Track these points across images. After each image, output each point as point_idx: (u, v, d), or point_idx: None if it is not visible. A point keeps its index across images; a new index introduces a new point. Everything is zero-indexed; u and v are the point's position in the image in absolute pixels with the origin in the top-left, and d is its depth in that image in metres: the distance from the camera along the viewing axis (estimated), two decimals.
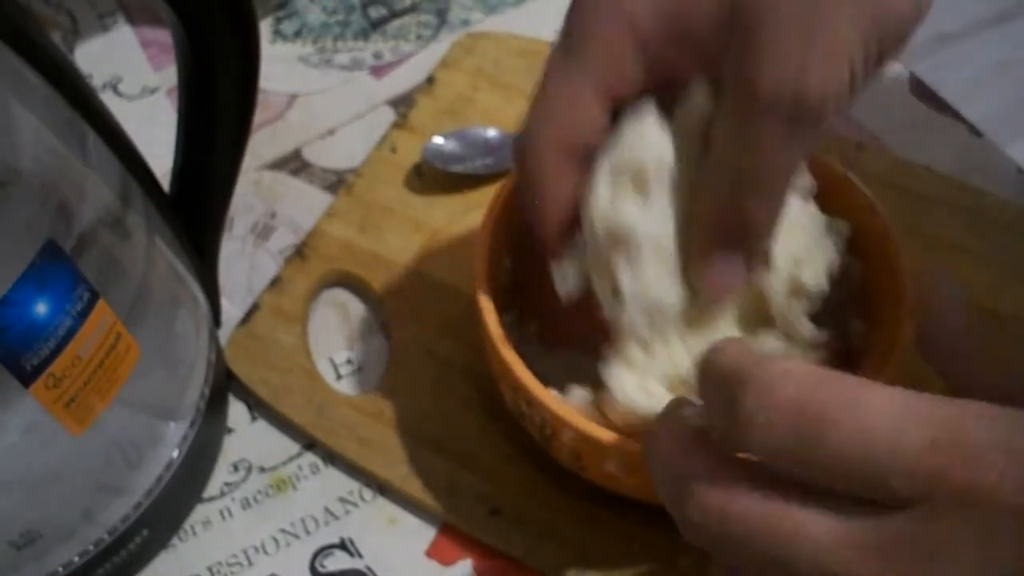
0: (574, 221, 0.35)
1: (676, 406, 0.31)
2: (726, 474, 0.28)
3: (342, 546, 0.43)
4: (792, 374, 0.26)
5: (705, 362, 0.29)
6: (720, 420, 0.28)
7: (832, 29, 0.30)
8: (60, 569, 0.38)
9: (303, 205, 0.52)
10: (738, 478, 0.28)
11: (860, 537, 0.26)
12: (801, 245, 0.36)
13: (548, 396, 0.37)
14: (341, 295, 0.49)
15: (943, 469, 0.25)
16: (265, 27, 0.59)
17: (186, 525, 0.43)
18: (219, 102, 0.39)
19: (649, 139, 0.34)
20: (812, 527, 0.26)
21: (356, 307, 0.49)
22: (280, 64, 0.58)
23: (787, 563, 0.27)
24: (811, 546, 0.26)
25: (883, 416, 0.25)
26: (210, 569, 0.42)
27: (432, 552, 0.42)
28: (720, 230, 0.33)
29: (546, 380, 0.38)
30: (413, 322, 0.47)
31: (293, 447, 0.45)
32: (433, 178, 0.51)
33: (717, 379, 0.28)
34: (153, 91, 0.57)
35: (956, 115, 0.53)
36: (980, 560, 0.25)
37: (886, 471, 0.25)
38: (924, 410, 0.25)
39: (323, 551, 0.43)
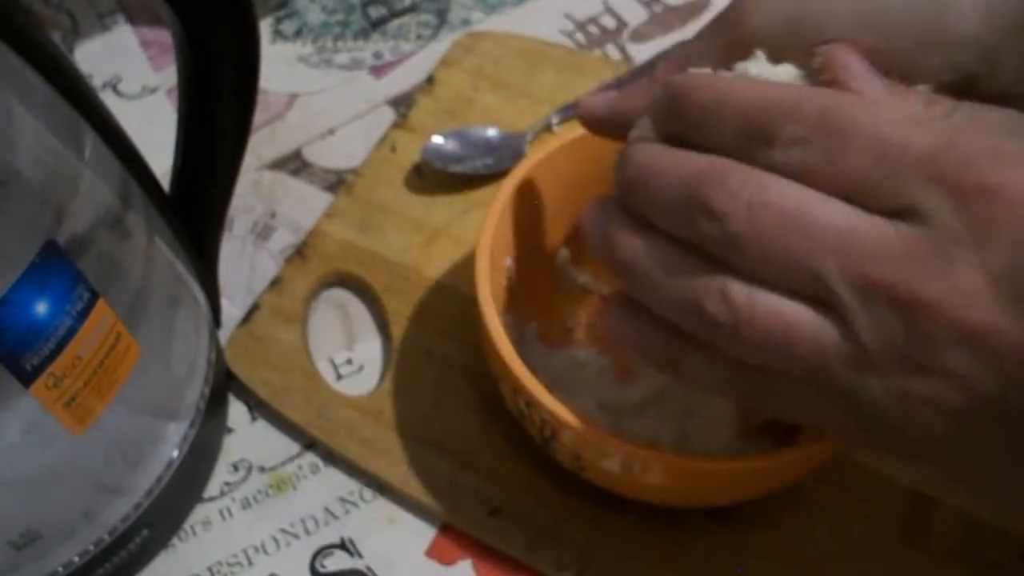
0: None
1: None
2: (749, 171, 0.29)
3: (342, 546, 0.43)
4: (815, 93, 0.29)
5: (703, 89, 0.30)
6: (758, 136, 0.29)
7: None
8: (60, 569, 0.38)
9: (303, 205, 0.52)
10: (767, 174, 0.29)
11: (880, 232, 0.27)
12: None
13: (548, 396, 0.37)
14: (341, 295, 0.49)
15: (941, 175, 0.26)
16: (265, 27, 0.59)
17: (186, 525, 0.43)
18: (219, 102, 0.39)
19: None
20: (839, 219, 0.27)
21: (356, 307, 0.49)
22: (280, 64, 0.58)
23: (808, 251, 0.27)
24: (834, 235, 0.27)
25: (895, 123, 0.27)
26: (210, 569, 0.42)
27: (432, 552, 0.42)
28: None
29: (546, 380, 0.38)
30: (413, 322, 0.47)
31: (293, 447, 0.45)
32: (433, 178, 0.51)
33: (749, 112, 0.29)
34: (153, 91, 0.57)
35: None
36: (982, 257, 0.26)
37: (895, 173, 0.27)
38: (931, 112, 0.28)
39: (323, 551, 0.43)
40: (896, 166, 0.27)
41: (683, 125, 0.31)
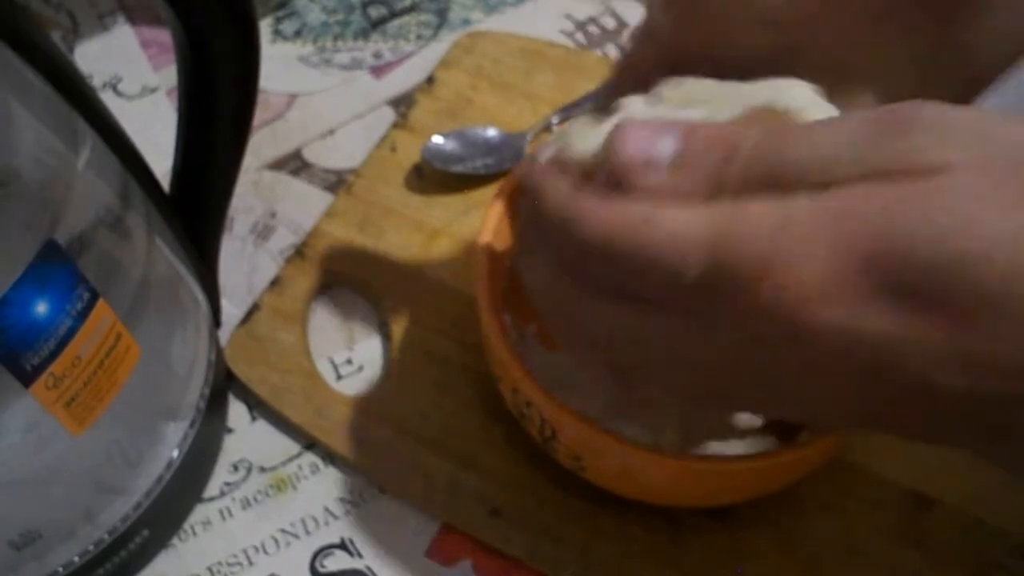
0: None
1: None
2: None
3: (342, 546, 0.43)
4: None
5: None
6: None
7: None
8: (60, 569, 0.38)
9: (303, 205, 0.52)
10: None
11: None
12: None
13: (548, 396, 0.37)
14: (341, 295, 0.49)
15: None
16: (265, 27, 0.59)
17: (186, 525, 0.43)
18: (219, 102, 0.39)
19: None
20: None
21: (356, 307, 0.49)
22: (280, 64, 0.58)
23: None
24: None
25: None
26: (210, 569, 0.42)
27: (432, 552, 0.42)
28: None
29: (546, 380, 0.38)
30: (413, 322, 0.47)
31: (293, 447, 0.45)
32: (433, 178, 0.51)
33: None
34: (153, 91, 0.57)
35: None
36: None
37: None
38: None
39: (323, 551, 0.43)
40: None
41: None
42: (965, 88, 0.33)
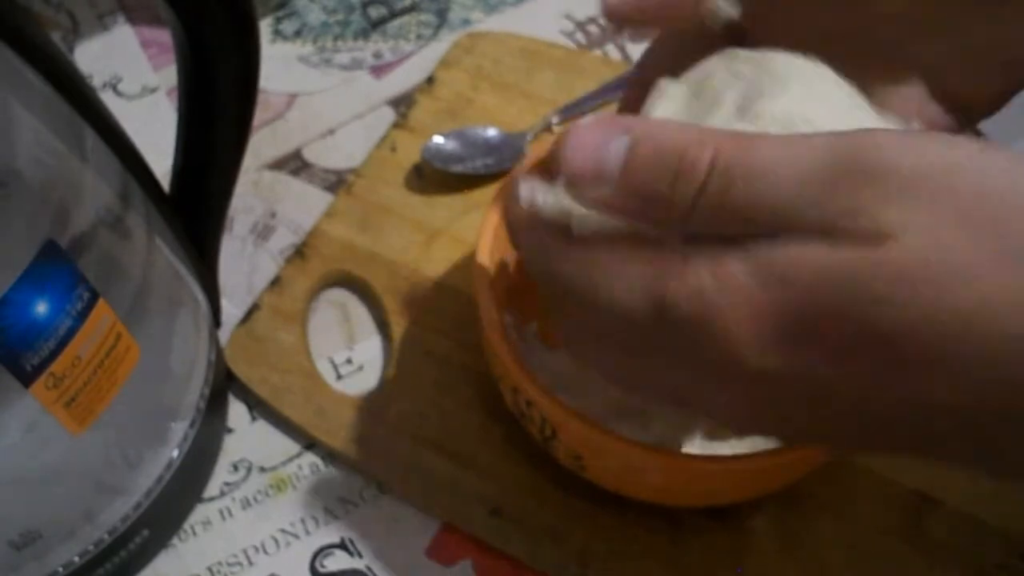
0: None
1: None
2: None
3: (342, 546, 0.43)
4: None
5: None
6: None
7: None
8: (60, 569, 0.38)
9: (303, 205, 0.52)
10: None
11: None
12: None
13: (548, 396, 0.37)
14: (341, 295, 0.49)
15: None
16: (265, 27, 0.59)
17: (186, 525, 0.43)
18: (219, 102, 0.39)
19: None
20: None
21: (356, 307, 0.49)
22: (280, 64, 0.58)
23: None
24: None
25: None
26: (210, 569, 0.42)
27: (432, 552, 0.42)
28: None
29: (546, 380, 0.38)
30: (413, 322, 0.47)
31: (293, 447, 0.45)
32: (433, 178, 0.51)
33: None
34: (153, 91, 0.57)
35: None
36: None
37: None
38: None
39: (323, 551, 0.43)
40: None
41: None
42: (1009, 81, 0.34)
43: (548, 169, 0.30)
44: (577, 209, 0.29)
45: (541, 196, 0.30)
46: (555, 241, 0.30)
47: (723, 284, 0.26)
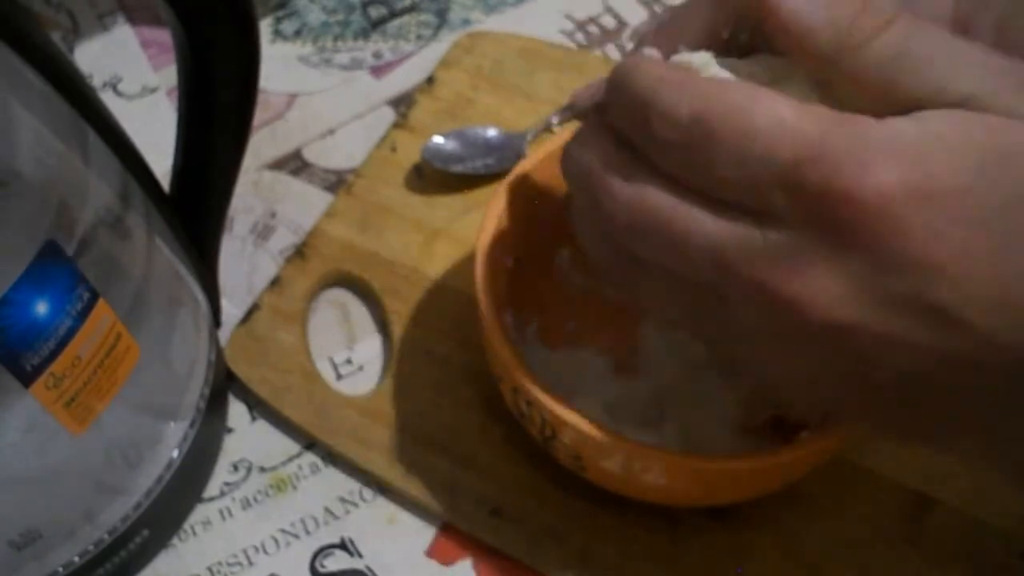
0: None
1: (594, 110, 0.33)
2: (641, 175, 0.30)
3: (342, 546, 0.43)
4: (687, 87, 0.28)
5: (618, 76, 0.31)
6: (632, 133, 0.30)
7: None
8: (60, 569, 0.38)
9: (303, 205, 0.52)
10: (649, 180, 0.30)
11: (745, 238, 0.28)
12: None
13: (548, 396, 0.37)
14: (341, 295, 0.49)
15: (803, 184, 0.27)
16: (265, 27, 0.59)
17: (186, 525, 0.43)
18: (219, 102, 0.39)
19: None
20: (707, 229, 0.28)
21: (356, 307, 0.49)
22: (280, 64, 0.58)
23: (682, 256, 0.29)
24: (704, 245, 0.28)
25: (764, 127, 0.27)
26: (210, 569, 0.42)
27: (432, 552, 0.42)
28: None
29: (546, 380, 0.38)
30: (413, 322, 0.47)
31: (293, 447, 0.45)
32: (433, 178, 0.51)
33: (628, 98, 0.30)
34: (153, 91, 0.57)
35: None
36: (833, 273, 0.27)
37: (761, 181, 0.27)
38: (802, 122, 0.27)
39: (323, 551, 0.43)
40: (760, 177, 0.27)
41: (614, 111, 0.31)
42: None
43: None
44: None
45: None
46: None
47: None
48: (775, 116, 0.27)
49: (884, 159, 0.26)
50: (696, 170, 0.28)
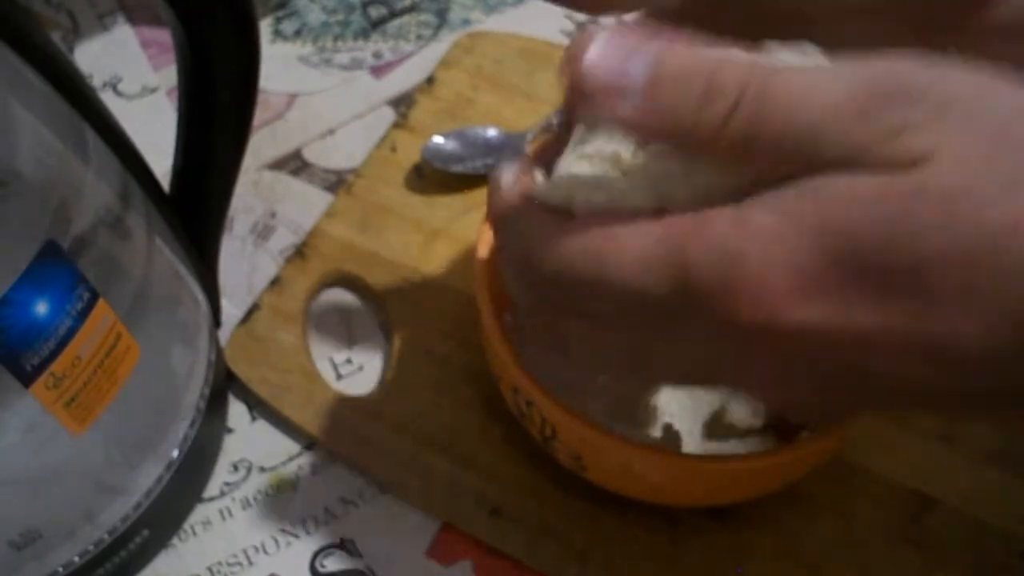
0: None
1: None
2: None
3: (342, 546, 0.43)
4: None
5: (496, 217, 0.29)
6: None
7: None
8: (60, 569, 0.38)
9: (303, 205, 0.52)
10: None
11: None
12: None
13: (548, 396, 0.37)
14: (341, 295, 0.49)
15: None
16: (265, 27, 0.59)
17: (186, 525, 0.43)
18: (219, 102, 0.39)
19: None
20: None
21: (356, 307, 0.49)
22: (280, 64, 0.58)
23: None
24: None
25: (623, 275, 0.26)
26: (210, 569, 0.42)
27: (432, 552, 0.42)
28: None
29: (546, 380, 0.38)
30: (413, 322, 0.47)
31: (293, 447, 0.45)
32: (433, 178, 0.51)
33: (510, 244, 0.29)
34: (153, 91, 0.57)
35: None
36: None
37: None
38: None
39: (323, 551, 0.43)
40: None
41: None
42: None
43: (533, 158, 0.29)
44: (580, 188, 0.27)
45: (536, 177, 0.29)
46: (550, 225, 0.27)
47: (751, 235, 0.24)
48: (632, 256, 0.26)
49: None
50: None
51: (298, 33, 0.59)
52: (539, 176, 0.29)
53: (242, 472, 0.45)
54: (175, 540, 0.43)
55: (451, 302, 0.47)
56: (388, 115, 0.55)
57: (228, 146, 0.41)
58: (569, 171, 0.29)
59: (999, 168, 0.24)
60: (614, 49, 0.26)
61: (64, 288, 0.33)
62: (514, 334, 0.40)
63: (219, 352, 0.44)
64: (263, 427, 0.46)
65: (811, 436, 0.38)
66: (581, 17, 0.59)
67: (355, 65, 0.58)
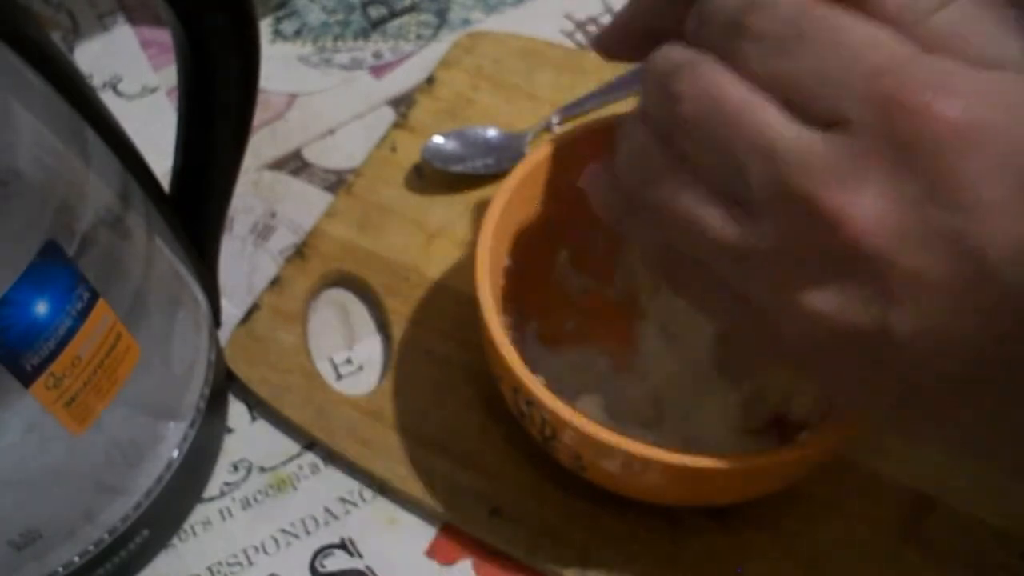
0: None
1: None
2: (721, 70, 0.29)
3: (342, 546, 0.43)
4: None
5: None
6: (725, 27, 0.30)
7: None
8: (60, 569, 0.38)
9: (303, 205, 0.52)
10: (729, 73, 0.29)
11: (807, 142, 0.27)
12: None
13: (548, 396, 0.37)
14: (341, 295, 0.49)
15: (882, 91, 0.26)
16: (265, 27, 0.59)
17: (186, 525, 0.43)
18: (219, 102, 0.39)
19: None
20: (771, 123, 0.28)
21: (356, 307, 0.49)
22: (280, 64, 0.58)
23: (737, 147, 0.29)
24: (763, 139, 0.28)
25: (858, 36, 0.27)
26: (210, 569, 0.42)
27: (432, 552, 0.42)
28: None
29: (546, 380, 0.38)
30: (413, 322, 0.47)
31: (293, 447, 0.45)
32: (433, 178, 0.51)
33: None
34: (153, 91, 0.57)
35: None
36: (882, 193, 0.26)
37: (840, 85, 0.27)
38: (896, 41, 0.27)
39: (323, 551, 0.43)
40: (839, 79, 0.27)
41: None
42: None
43: None
44: None
45: None
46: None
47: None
48: (871, 31, 0.27)
49: (970, 90, 0.26)
50: (779, 69, 0.28)
51: (298, 33, 0.59)
52: None
53: (242, 472, 0.45)
54: (175, 540, 0.43)
55: (451, 302, 0.47)
56: (388, 115, 0.55)
57: (228, 146, 0.41)
58: None
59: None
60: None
61: (64, 288, 0.33)
62: (514, 334, 0.40)
63: (219, 352, 0.44)
64: (263, 427, 0.46)
65: (811, 436, 0.38)
66: (581, 17, 0.59)
67: (355, 65, 0.58)
